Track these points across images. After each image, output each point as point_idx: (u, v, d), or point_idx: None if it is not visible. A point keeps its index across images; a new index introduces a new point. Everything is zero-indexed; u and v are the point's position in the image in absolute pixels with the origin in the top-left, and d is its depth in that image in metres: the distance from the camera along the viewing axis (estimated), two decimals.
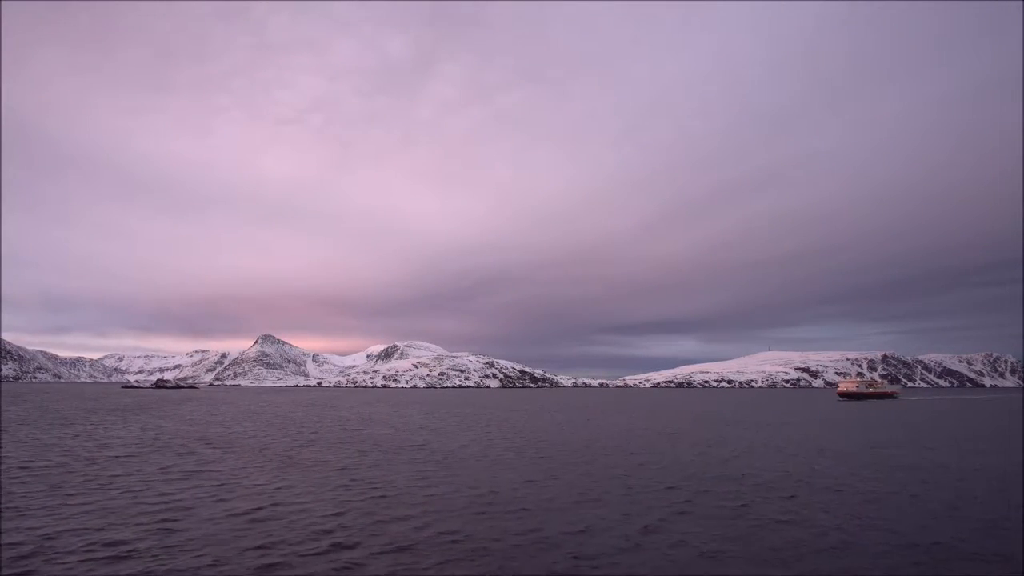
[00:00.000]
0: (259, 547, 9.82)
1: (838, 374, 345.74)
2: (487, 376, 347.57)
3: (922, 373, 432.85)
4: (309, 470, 18.58)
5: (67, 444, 25.51)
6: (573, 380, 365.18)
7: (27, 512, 12.36)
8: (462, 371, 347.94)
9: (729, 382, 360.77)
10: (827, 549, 10.07)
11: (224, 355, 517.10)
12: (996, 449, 26.04)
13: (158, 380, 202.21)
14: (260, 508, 12.82)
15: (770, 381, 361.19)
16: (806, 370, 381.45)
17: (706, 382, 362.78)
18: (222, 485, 15.74)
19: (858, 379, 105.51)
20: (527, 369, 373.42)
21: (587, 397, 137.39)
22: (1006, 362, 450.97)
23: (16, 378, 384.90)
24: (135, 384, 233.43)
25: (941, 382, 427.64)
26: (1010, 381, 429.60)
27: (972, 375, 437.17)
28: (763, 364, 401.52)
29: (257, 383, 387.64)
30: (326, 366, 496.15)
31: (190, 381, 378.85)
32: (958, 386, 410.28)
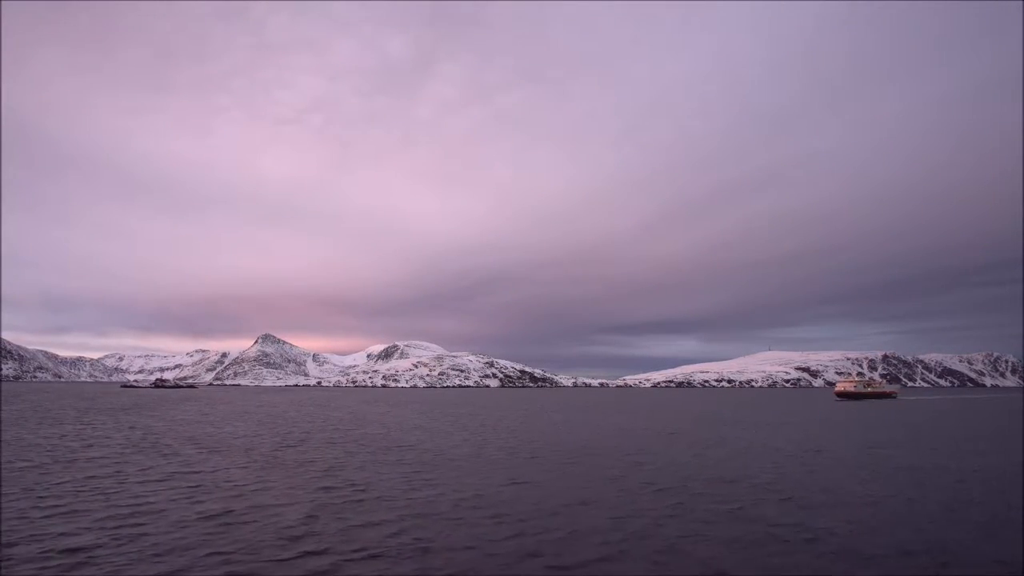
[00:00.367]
0: (222, 553, 9.34)
1: (838, 374, 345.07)
2: (487, 376, 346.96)
3: (923, 373, 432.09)
4: (292, 471, 18.11)
5: (52, 444, 25.05)
6: (573, 380, 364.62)
7: None
8: (462, 371, 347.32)
9: (729, 382, 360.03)
10: (825, 553, 9.57)
11: (224, 355, 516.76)
12: (995, 449, 25.53)
13: (157, 380, 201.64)
14: (232, 511, 12.34)
15: (770, 381, 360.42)
16: (806, 370, 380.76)
17: (706, 382, 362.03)
18: (199, 487, 15.26)
19: (856, 379, 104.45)
20: (527, 369, 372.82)
21: (587, 397, 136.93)
22: (1007, 362, 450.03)
23: (16, 377, 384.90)
24: (134, 384, 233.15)
25: (942, 382, 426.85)
26: (1011, 381, 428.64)
27: (973, 375, 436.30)
28: (763, 364, 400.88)
29: (257, 383, 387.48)
30: (326, 366, 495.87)
31: (190, 381, 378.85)
32: (959, 386, 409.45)
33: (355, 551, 9.44)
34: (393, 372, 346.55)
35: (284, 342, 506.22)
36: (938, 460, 21.87)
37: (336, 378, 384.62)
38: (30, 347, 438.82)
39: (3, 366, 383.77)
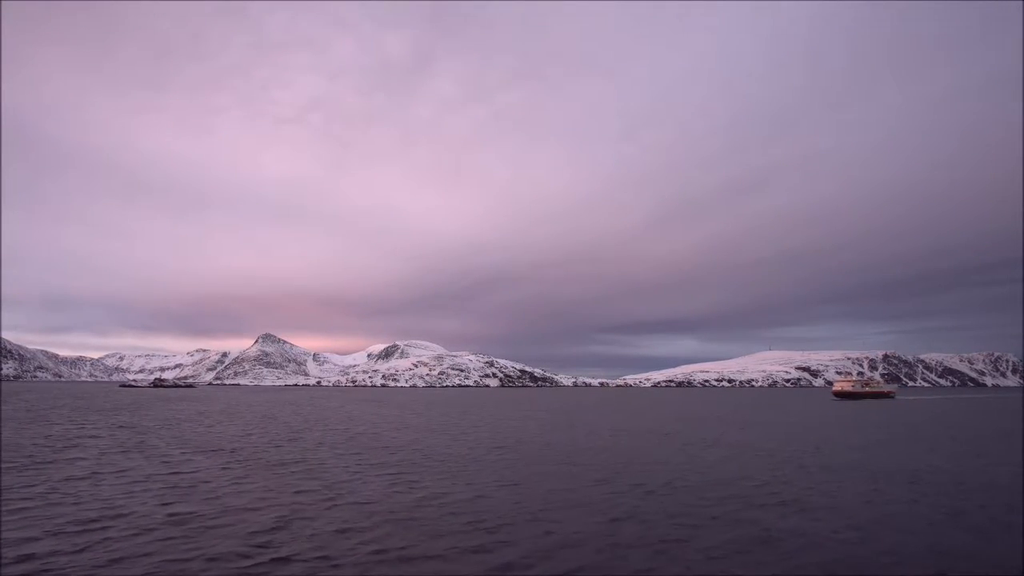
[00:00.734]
0: (181, 560, 8.87)
1: (839, 373, 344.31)
2: (487, 375, 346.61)
3: (923, 372, 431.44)
4: (273, 472, 17.65)
5: (34, 444, 24.61)
6: (573, 379, 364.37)
7: None
8: (462, 370, 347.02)
9: (729, 381, 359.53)
10: (823, 558, 9.09)
11: (225, 354, 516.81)
12: (994, 450, 25.03)
13: (156, 379, 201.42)
14: (203, 515, 11.88)
15: (771, 380, 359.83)
16: (807, 369, 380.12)
17: (706, 381, 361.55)
18: (173, 488, 14.80)
19: (854, 378, 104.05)
20: (527, 368, 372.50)
21: (586, 396, 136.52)
22: (1007, 361, 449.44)
23: (16, 377, 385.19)
24: (133, 383, 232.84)
25: (942, 381, 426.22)
26: (1011, 380, 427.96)
27: (973, 374, 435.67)
28: (763, 363, 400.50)
29: (257, 382, 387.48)
30: (326, 365, 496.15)
31: (190, 380, 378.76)
32: (959, 385, 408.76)
33: (319, 559, 8.96)
34: (393, 372, 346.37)
35: (284, 342, 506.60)
36: (934, 461, 21.38)
37: (336, 378, 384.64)
38: (31, 347, 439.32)
39: (3, 366, 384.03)
